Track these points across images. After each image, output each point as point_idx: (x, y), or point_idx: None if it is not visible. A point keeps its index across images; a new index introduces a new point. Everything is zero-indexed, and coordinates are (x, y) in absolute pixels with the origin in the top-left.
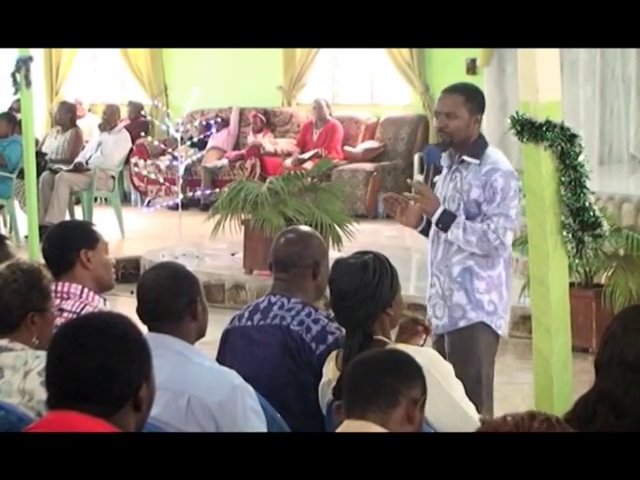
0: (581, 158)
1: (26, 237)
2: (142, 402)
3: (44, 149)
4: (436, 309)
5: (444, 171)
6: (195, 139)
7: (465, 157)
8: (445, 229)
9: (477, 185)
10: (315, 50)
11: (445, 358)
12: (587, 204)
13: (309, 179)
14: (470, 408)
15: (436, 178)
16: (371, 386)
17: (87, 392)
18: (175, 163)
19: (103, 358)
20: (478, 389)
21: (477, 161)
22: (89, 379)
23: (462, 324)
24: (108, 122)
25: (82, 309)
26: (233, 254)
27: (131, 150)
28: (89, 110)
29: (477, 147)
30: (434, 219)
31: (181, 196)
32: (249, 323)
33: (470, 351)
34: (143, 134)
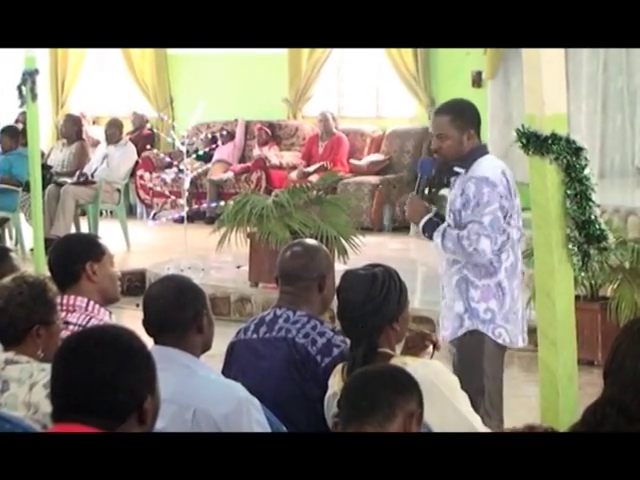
0: (586, 171)
1: (32, 250)
2: (147, 415)
3: (50, 162)
4: (445, 320)
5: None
6: (201, 152)
7: (455, 169)
8: (430, 237)
9: (459, 194)
10: (320, 62)
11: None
12: (593, 217)
13: (315, 192)
14: (476, 420)
15: (439, 190)
16: (368, 400)
17: (91, 405)
18: (181, 176)
19: (107, 371)
20: (481, 399)
21: (462, 170)
22: (93, 392)
23: (460, 333)
24: (112, 137)
25: (88, 322)
26: (239, 267)
27: (137, 163)
28: (94, 122)
29: (468, 158)
30: (420, 227)
31: (187, 209)
32: (255, 336)
33: (470, 359)
34: (149, 147)
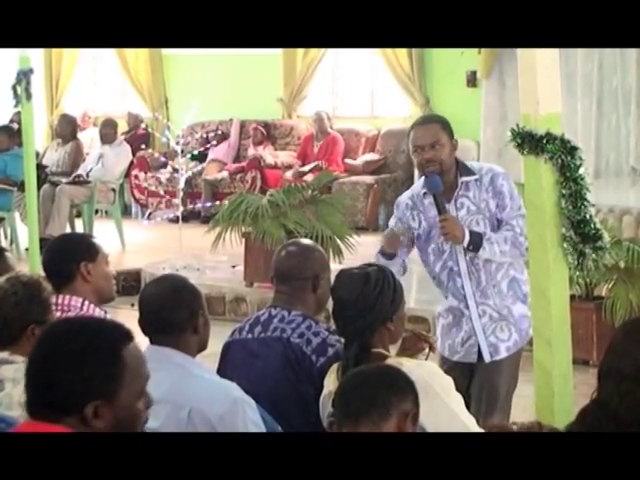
0: (581, 170)
1: (27, 249)
2: (92, 418)
3: (44, 162)
4: (498, 333)
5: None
6: (196, 152)
7: (464, 178)
8: (476, 249)
9: (490, 197)
10: (315, 62)
11: (496, 382)
12: (588, 216)
13: (310, 191)
14: (470, 421)
15: (448, 207)
16: (363, 399)
17: (37, 400)
18: (176, 175)
19: (48, 369)
20: (509, 401)
21: (475, 176)
22: (38, 387)
23: (531, 332)
24: (107, 137)
25: None
26: (234, 266)
27: (132, 163)
28: (94, 123)
29: (462, 167)
30: (465, 242)
31: (182, 209)
32: (250, 336)
33: (519, 362)
34: (144, 147)
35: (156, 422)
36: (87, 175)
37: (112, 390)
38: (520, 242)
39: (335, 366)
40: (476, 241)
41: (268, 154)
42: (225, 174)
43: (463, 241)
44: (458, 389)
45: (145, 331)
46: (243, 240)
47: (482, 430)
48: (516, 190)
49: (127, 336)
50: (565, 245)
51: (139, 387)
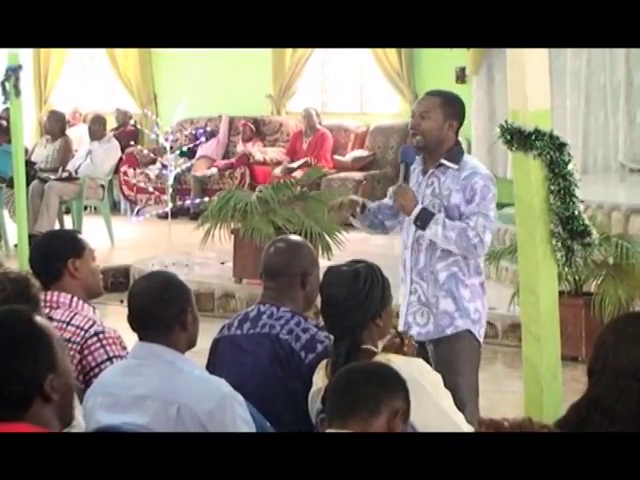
0: (570, 167)
1: (15, 246)
2: (51, 394)
3: (33, 158)
4: (417, 316)
5: (419, 177)
6: (185, 148)
7: (443, 161)
8: (423, 227)
9: (457, 190)
10: (304, 58)
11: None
12: (576, 213)
13: (298, 188)
14: (459, 417)
15: (421, 179)
16: (353, 395)
17: (5, 400)
18: (165, 172)
19: None
20: (467, 398)
21: (456, 166)
22: None
23: (449, 332)
24: (95, 133)
25: (72, 318)
26: (223, 263)
27: (120, 159)
28: (84, 120)
29: (454, 153)
30: (412, 216)
31: (170, 205)
32: (238, 332)
33: (457, 359)
34: (132, 143)
35: (145, 418)
36: (76, 171)
37: (52, 358)
38: (468, 235)
39: (324, 362)
40: (424, 218)
41: (257, 150)
42: (214, 170)
43: (410, 213)
44: None
45: (134, 327)
46: (232, 236)
47: (471, 426)
48: (493, 196)
49: (29, 310)
50: (554, 241)
51: (62, 346)
